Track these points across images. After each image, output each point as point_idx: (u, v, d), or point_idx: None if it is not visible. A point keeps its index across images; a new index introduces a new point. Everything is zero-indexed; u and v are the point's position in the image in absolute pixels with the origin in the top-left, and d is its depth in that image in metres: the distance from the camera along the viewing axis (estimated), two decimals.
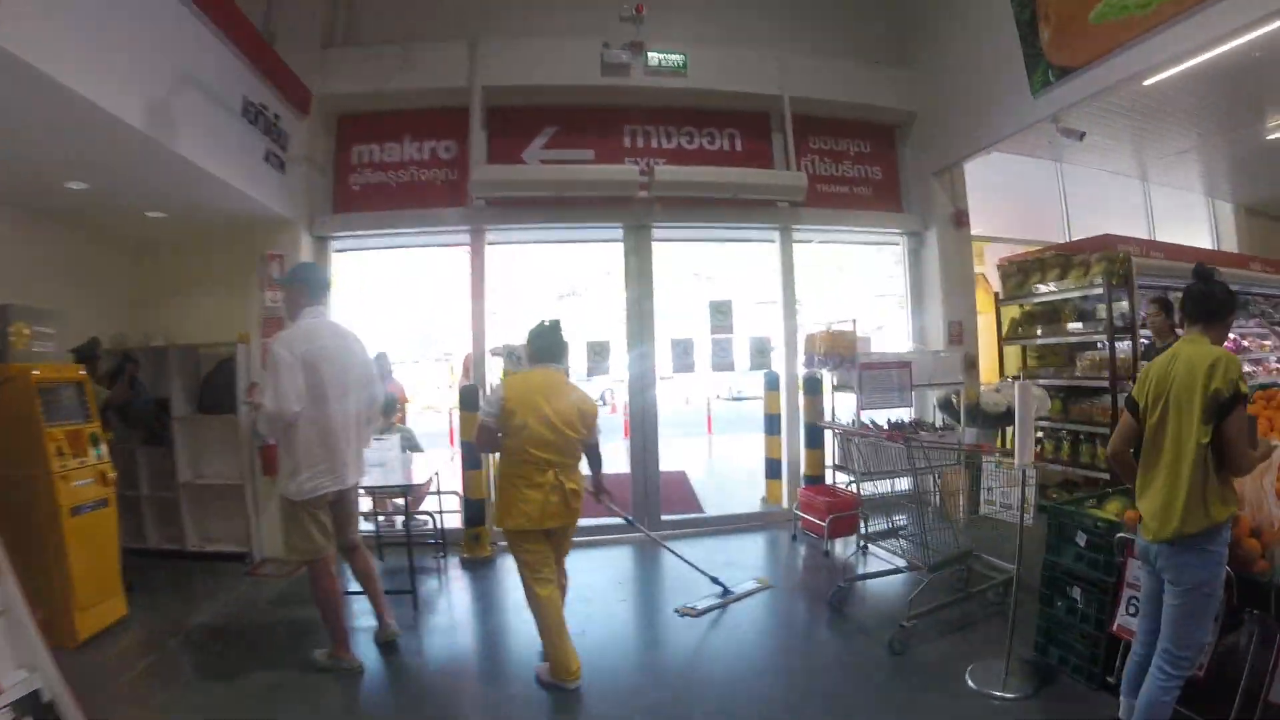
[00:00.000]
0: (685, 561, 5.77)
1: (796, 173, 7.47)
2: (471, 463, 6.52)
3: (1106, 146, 9.16)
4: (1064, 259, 7.93)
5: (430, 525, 6.91)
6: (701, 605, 5.28)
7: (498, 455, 4.35)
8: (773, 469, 8.10)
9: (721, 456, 14.08)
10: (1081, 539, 4.00)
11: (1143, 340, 6.94)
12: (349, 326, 4.66)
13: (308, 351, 4.20)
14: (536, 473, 4.02)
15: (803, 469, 7.53)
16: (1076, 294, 7.60)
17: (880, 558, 5.30)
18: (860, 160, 8.28)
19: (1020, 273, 8.37)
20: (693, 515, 7.92)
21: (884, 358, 6.77)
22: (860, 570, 5.81)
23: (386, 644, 4.71)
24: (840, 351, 6.60)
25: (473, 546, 6.59)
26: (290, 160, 6.68)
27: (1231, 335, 8.54)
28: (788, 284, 7.82)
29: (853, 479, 7.04)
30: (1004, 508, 5.14)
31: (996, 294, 8.60)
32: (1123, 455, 3.34)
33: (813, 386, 7.27)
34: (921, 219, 8.29)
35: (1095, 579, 3.89)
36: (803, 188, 7.31)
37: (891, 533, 5.07)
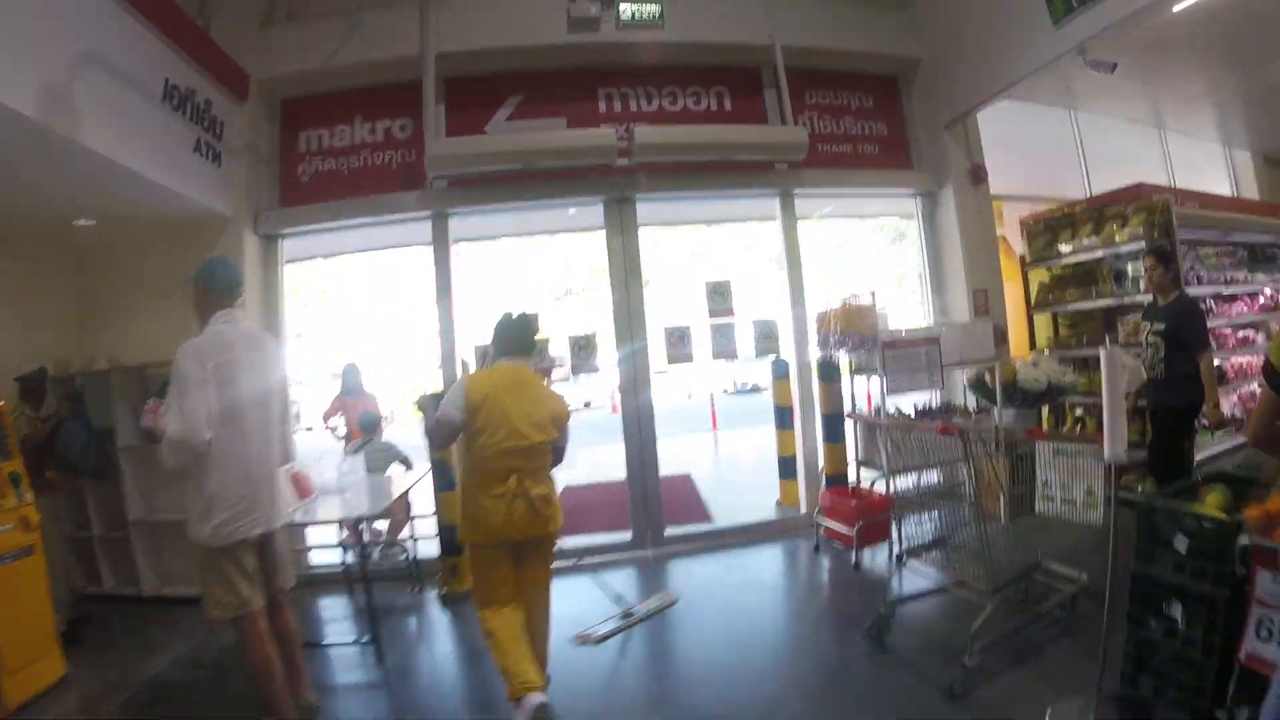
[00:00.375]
0: (594, 581, 5.41)
1: (795, 128, 6.57)
2: (444, 484, 5.67)
3: (1124, 90, 8.35)
4: (1096, 213, 7.12)
5: (404, 556, 6.20)
6: (602, 630, 4.74)
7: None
8: (786, 468, 7.28)
9: (729, 455, 13.25)
10: (1182, 543, 3.19)
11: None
12: (264, 332, 3.92)
13: (220, 365, 3.44)
14: (495, 482, 3.58)
15: (822, 467, 6.67)
16: (1114, 250, 6.78)
17: (921, 574, 4.46)
18: (863, 115, 7.42)
19: (1048, 231, 7.54)
20: (700, 528, 7.02)
21: (909, 334, 5.92)
22: (896, 586, 4.95)
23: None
24: (859, 329, 5.73)
25: (450, 580, 5.75)
26: (227, 151, 5.94)
27: (1267, 291, 7.81)
28: (792, 256, 6.91)
29: (879, 475, 6.26)
30: (1066, 504, 4.34)
31: (1022, 256, 7.75)
32: (1267, 437, 2.57)
33: (828, 372, 6.38)
34: (935, 176, 7.44)
35: (1202, 593, 3.08)
36: (803, 144, 6.41)
37: (937, 544, 4.24)
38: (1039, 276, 7.71)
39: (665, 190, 6.69)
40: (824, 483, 6.56)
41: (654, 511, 6.55)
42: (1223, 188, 10.92)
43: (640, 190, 6.53)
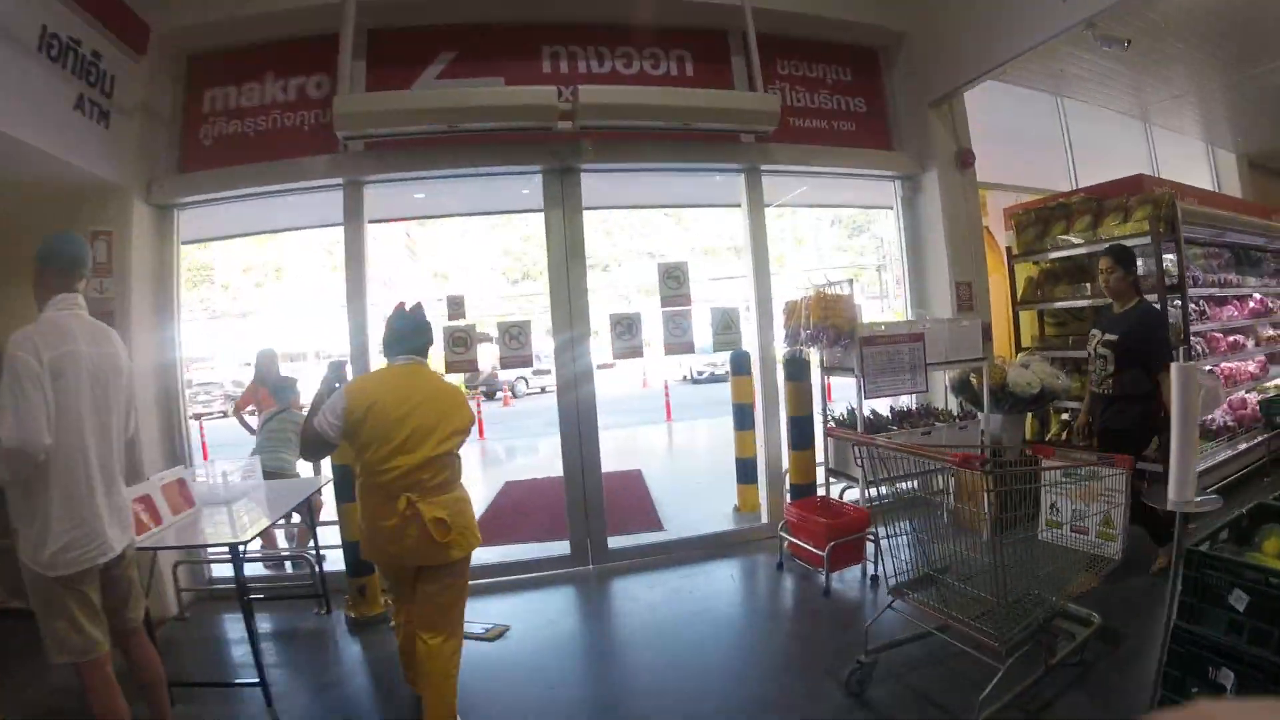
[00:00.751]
0: None
1: (766, 95, 5.78)
2: (346, 493, 4.86)
3: (1115, 78, 8.21)
4: (1095, 204, 6.50)
5: (309, 569, 5.38)
6: None
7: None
8: (745, 471, 6.64)
9: (685, 449, 12.59)
10: (1240, 601, 2.55)
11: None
12: (108, 325, 3.21)
13: (57, 358, 2.77)
14: (384, 501, 3.15)
15: (786, 469, 5.94)
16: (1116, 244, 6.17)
17: (908, 614, 3.75)
18: (840, 90, 6.67)
19: (1039, 222, 6.89)
20: (650, 538, 6.21)
21: (891, 330, 5.22)
22: (873, 617, 4.22)
23: None
24: (835, 323, 5.03)
25: (359, 603, 4.95)
26: (118, 110, 5.06)
27: (1256, 295, 7.38)
28: (758, 240, 6.13)
29: (849, 485, 5.60)
30: (1078, 532, 3.69)
31: (1009, 249, 7.11)
32: None
33: (797, 370, 5.65)
34: (918, 159, 6.74)
35: (1261, 660, 2.45)
36: (775, 113, 5.62)
37: (929, 581, 3.54)
38: (1027, 271, 7.08)
39: (614, 161, 5.82)
40: (788, 492, 5.84)
41: (596, 521, 5.74)
42: (1205, 187, 10.51)
43: (585, 160, 5.65)
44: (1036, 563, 3.45)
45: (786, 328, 5.62)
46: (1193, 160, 10.80)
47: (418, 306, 3.51)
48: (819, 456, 5.75)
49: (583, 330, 5.66)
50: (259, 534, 4.91)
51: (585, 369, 5.66)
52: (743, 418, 6.58)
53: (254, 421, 7.02)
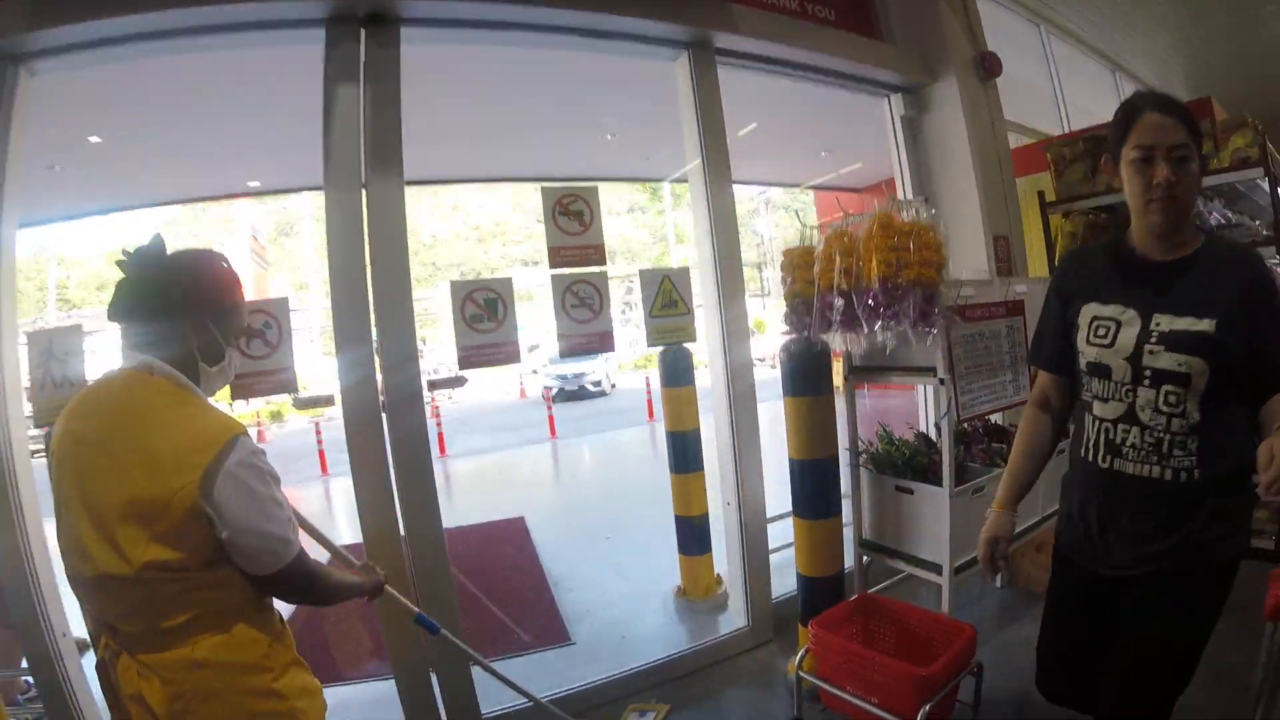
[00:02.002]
0: None
1: None
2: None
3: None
4: None
5: None
6: None
7: None
8: (691, 537, 4.25)
9: (577, 479, 9.88)
10: None
11: None
12: None
13: None
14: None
15: (770, 550, 3.59)
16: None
17: None
18: None
19: (1087, 157, 4.82)
20: (550, 671, 3.53)
21: (981, 294, 2.90)
22: None
23: None
24: (924, 275, 2.61)
25: None
26: None
27: None
28: (715, 161, 3.63)
29: (904, 568, 3.30)
30: None
31: (1040, 194, 4.99)
32: None
33: (812, 375, 3.08)
34: (924, 64, 4.58)
35: None
36: None
37: None
38: (1067, 225, 5.00)
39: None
40: (800, 595, 3.29)
41: (451, 627, 2.77)
42: None
43: None
44: None
45: (794, 298, 3.10)
46: None
47: (157, 239, 1.59)
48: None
49: (400, 319, 2.89)
50: None
51: (409, 390, 2.87)
52: (684, 454, 4.23)
53: None
